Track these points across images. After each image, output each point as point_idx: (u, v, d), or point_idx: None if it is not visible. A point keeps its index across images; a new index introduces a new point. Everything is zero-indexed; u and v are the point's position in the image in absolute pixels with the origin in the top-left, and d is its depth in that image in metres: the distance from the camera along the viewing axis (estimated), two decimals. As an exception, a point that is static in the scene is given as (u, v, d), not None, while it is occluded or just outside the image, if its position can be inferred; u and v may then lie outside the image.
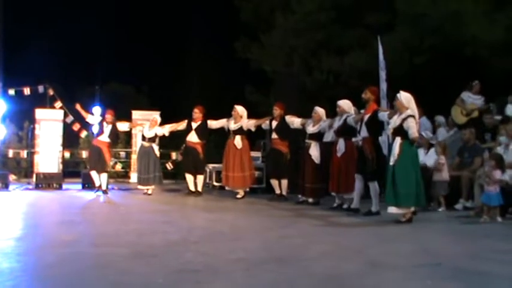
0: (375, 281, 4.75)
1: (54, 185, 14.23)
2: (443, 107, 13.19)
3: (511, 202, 9.17)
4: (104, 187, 13.10)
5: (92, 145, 13.44)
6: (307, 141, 11.14)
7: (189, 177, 12.97)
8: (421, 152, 11.20)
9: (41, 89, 18.22)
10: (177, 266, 5.13)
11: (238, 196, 12.33)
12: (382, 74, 12.08)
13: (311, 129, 11.12)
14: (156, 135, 13.18)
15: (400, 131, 8.29)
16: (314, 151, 10.97)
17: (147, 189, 13.02)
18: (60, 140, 15.90)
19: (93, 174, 13.19)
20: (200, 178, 12.99)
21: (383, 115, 9.15)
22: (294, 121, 11.76)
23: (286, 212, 10.08)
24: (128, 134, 17.30)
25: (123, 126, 13.94)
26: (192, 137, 12.84)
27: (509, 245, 6.86)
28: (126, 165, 18.54)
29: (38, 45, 28.27)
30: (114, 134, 13.37)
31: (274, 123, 11.96)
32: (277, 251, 6.05)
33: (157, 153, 13.32)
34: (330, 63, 17.03)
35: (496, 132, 11.20)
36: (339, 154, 10.09)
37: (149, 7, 29.88)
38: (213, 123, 13.00)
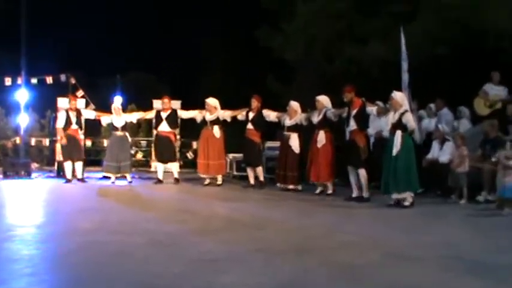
0: (394, 272, 4.71)
1: (76, 173, 14.31)
2: (466, 99, 13.04)
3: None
4: (79, 175, 13.21)
5: (67, 135, 13.22)
6: (285, 133, 11.88)
7: (159, 166, 13.37)
8: (435, 146, 11.19)
9: (63, 77, 18.36)
10: (195, 255, 5.13)
11: (218, 183, 12.92)
12: (404, 65, 11.94)
13: (288, 122, 11.85)
14: (126, 123, 13.28)
15: (399, 125, 9.21)
16: (293, 142, 11.72)
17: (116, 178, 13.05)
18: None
19: (67, 164, 13.17)
20: (174, 165, 13.42)
21: (371, 110, 10.30)
22: (270, 114, 12.40)
23: (304, 202, 10.10)
24: (149, 123, 17.32)
25: (89, 113, 14.05)
26: (163, 127, 13.15)
27: (530, 238, 6.78)
28: (147, 154, 18.58)
29: (60, 34, 28.52)
30: (81, 120, 13.50)
31: (251, 115, 12.44)
32: (297, 241, 6.03)
33: (130, 140, 13.70)
34: (352, 53, 16.89)
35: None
36: (319, 145, 11.05)
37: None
38: (183, 113, 13.64)
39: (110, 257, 5.11)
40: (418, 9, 15.24)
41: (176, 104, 15.03)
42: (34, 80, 18.18)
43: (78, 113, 13.35)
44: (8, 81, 18.25)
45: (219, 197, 11.00)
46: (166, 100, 13.31)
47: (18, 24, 16.80)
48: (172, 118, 13.22)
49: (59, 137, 13.36)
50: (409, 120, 9.23)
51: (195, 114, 13.34)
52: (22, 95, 16.69)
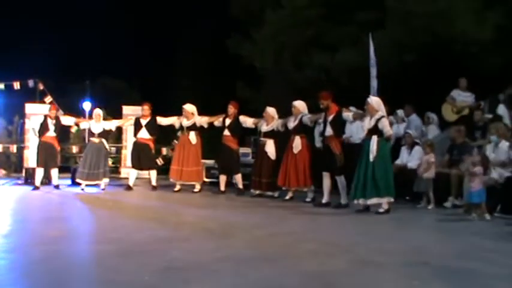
0: (363, 279, 4.75)
1: (44, 180, 14.12)
2: (434, 105, 13.22)
3: (500, 200, 9.22)
4: (55, 182, 13.10)
5: (41, 142, 13.09)
6: (262, 139, 11.98)
7: (132, 172, 13.31)
8: (404, 151, 11.33)
9: (30, 83, 18.14)
10: (163, 264, 5.11)
11: (195, 190, 12.77)
12: (373, 71, 12.09)
13: (265, 127, 11.90)
14: (104, 130, 13.19)
15: (375, 130, 9.21)
16: (269, 148, 11.77)
17: (99, 184, 12.98)
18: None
19: (39, 171, 13.00)
20: (153, 173, 13.32)
21: (347, 116, 10.18)
22: (247, 121, 12.44)
23: (275, 209, 10.11)
24: (119, 129, 17.21)
25: (68, 120, 13.89)
26: (143, 134, 13.11)
27: (496, 243, 6.89)
28: (117, 161, 18.45)
29: (28, 39, 28.22)
30: (60, 128, 13.30)
31: (228, 121, 12.47)
32: (265, 248, 6.04)
33: (108, 148, 13.55)
34: (321, 60, 16.98)
35: (486, 130, 11.22)
36: (295, 151, 11.07)
37: (140, 2, 29.81)
38: (162, 120, 13.45)
39: (78, 266, 5.08)
40: (386, 17, 15.36)
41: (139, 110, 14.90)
42: (1, 86, 17.96)
43: (57, 121, 13.14)
44: (-26, 87, 18.02)
45: (190, 204, 10.91)
46: (146, 107, 13.17)
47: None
48: (152, 125, 13.14)
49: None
50: (385, 125, 9.29)
51: (173, 120, 13.27)
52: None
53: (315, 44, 17.55)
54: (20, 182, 14.37)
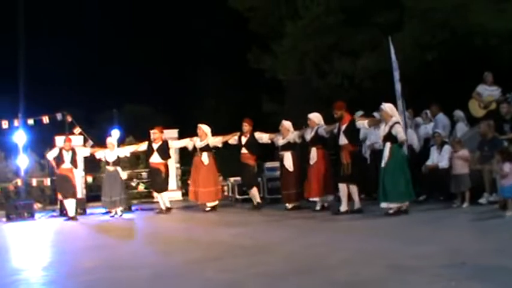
0: (398, 285, 4.70)
1: (79, 210, 14.25)
2: (460, 102, 13.07)
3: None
4: (71, 214, 13.18)
5: (58, 174, 13.46)
6: (280, 153, 12.10)
7: (159, 196, 13.44)
8: (434, 151, 11.19)
9: (59, 116, 18.37)
10: (199, 285, 5.11)
11: (207, 209, 12.83)
12: (396, 75, 12.00)
13: (281, 141, 12.04)
14: (118, 158, 13.35)
15: (389, 137, 9.38)
16: (287, 161, 11.89)
17: (115, 211, 13.11)
18: (82, 165, 15.98)
19: (67, 202, 13.26)
20: (165, 195, 13.39)
21: (361, 123, 10.24)
22: (263, 137, 12.62)
23: (303, 220, 10.12)
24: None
25: (83, 151, 14.16)
26: (155, 158, 13.22)
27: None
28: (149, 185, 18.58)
29: (55, 74, 28.67)
30: (75, 160, 13.49)
31: (244, 139, 12.66)
32: (298, 262, 6.01)
33: (123, 175, 13.68)
34: (343, 66, 16.96)
35: (514, 123, 11.06)
36: (311, 162, 11.16)
37: (159, 29, 30.09)
38: (174, 143, 13.82)
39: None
40: (403, 17, 15.29)
41: (173, 133, 15.05)
42: (31, 121, 18.23)
43: (73, 152, 13.39)
44: (5, 124, 18.31)
45: (220, 223, 11.00)
46: (156, 131, 13.32)
47: (15, 68, 16.94)
48: (163, 149, 13.25)
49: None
50: (399, 131, 9.38)
51: (186, 142, 13.51)
52: (20, 137, 16.74)
53: (335, 51, 17.55)
54: (55, 214, 14.51)
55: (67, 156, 13.24)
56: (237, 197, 14.56)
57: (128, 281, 5.60)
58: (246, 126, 12.56)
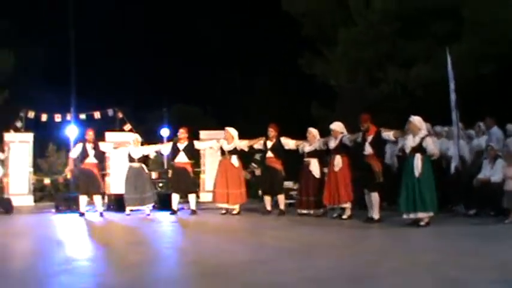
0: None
1: (112, 206, 14.34)
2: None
3: None
4: (99, 209, 13.15)
5: (81, 169, 13.32)
6: (306, 159, 12.20)
7: (175, 197, 13.26)
8: (486, 165, 10.98)
9: (110, 112, 18.71)
10: (248, 285, 5.10)
11: (234, 212, 12.83)
12: (451, 85, 11.83)
13: (307, 148, 12.19)
14: (143, 156, 13.32)
15: (419, 148, 9.62)
16: (314, 167, 12.06)
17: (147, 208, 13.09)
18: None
19: (82, 198, 13.15)
20: (192, 197, 13.35)
21: (387, 135, 10.57)
22: (289, 142, 12.66)
23: (351, 227, 10.08)
24: (197, 154, 17.43)
25: (106, 146, 13.98)
26: (181, 158, 13.20)
27: None
28: (195, 185, 18.67)
29: (108, 70, 29.11)
30: (99, 153, 13.38)
31: (270, 144, 12.73)
32: (348, 268, 5.96)
33: (147, 172, 13.62)
34: (396, 75, 16.81)
35: None
36: (336, 169, 11.38)
37: (212, 30, 30.28)
38: (199, 144, 13.94)
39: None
40: (461, 29, 15.07)
41: (220, 134, 15.04)
42: (82, 116, 18.58)
43: (96, 146, 13.21)
44: (57, 117, 18.69)
45: (266, 225, 11.00)
46: (182, 131, 13.33)
47: (67, 63, 17.25)
48: (189, 149, 13.27)
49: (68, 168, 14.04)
50: (429, 144, 9.68)
51: (212, 144, 13.69)
52: (71, 131, 17.01)
53: (389, 59, 17.39)
54: (103, 208, 14.63)
55: (90, 149, 13.08)
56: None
57: (177, 277, 5.63)
58: (272, 132, 12.66)
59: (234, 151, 12.96)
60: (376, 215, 10.48)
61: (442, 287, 4.98)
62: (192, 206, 13.29)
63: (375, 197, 10.48)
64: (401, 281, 5.21)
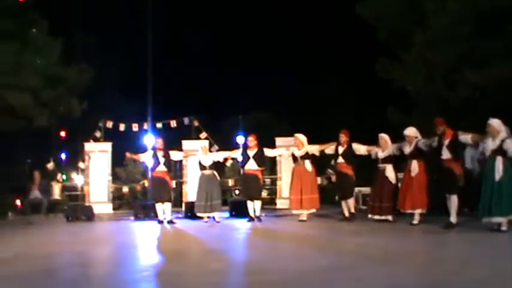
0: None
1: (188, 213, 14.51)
2: None
3: None
4: (168, 217, 13.28)
5: (153, 177, 13.65)
6: (380, 165, 12.11)
7: (250, 204, 13.27)
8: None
9: (186, 121, 19.01)
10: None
11: (304, 218, 12.85)
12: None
13: (381, 154, 12.14)
14: (214, 162, 13.38)
15: (499, 151, 9.41)
16: (389, 173, 11.97)
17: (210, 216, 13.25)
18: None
19: (158, 206, 13.33)
20: (258, 203, 13.34)
21: (465, 138, 10.39)
22: (360, 148, 12.66)
23: (431, 234, 9.85)
24: (273, 161, 17.48)
25: (177, 155, 14.11)
26: (251, 165, 13.20)
27: None
28: (272, 192, 18.72)
29: (184, 79, 29.65)
30: (169, 162, 13.58)
31: (341, 149, 12.72)
32: (431, 276, 5.81)
33: (219, 180, 13.70)
34: (474, 78, 16.36)
35: None
36: (413, 174, 11.27)
37: (281, 35, 30.40)
38: (269, 152, 13.82)
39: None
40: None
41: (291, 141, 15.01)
42: (159, 125, 18.92)
43: (167, 155, 13.45)
44: (135, 127, 19.11)
45: (345, 231, 10.91)
46: (251, 138, 13.39)
47: (144, 73, 17.62)
48: (259, 156, 13.29)
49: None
50: (510, 146, 9.37)
51: (281, 152, 13.94)
52: (149, 140, 17.37)
53: (467, 61, 16.95)
54: (180, 216, 14.85)
55: (160, 157, 13.31)
56: (361, 207, 14.36)
57: (256, 285, 5.62)
58: (343, 138, 12.61)
59: (306, 156, 12.96)
60: (454, 218, 10.25)
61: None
62: (257, 212, 13.33)
63: (454, 200, 10.29)
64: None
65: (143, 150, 15.18)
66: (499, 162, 9.34)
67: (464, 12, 16.74)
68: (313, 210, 13.00)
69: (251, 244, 9.77)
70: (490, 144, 9.57)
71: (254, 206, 13.35)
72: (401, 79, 19.16)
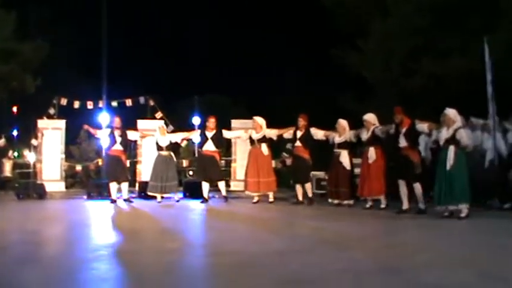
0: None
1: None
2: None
3: None
4: (125, 196, 13.32)
5: (108, 156, 13.62)
6: (336, 150, 12.24)
7: (205, 185, 13.29)
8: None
9: (142, 100, 18.82)
10: (283, 276, 5.04)
11: (270, 200, 13.07)
12: (488, 76, 11.62)
13: (338, 139, 12.23)
14: (171, 143, 13.45)
15: (453, 140, 9.56)
16: (344, 158, 12.07)
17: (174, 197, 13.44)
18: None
19: (112, 185, 13.23)
20: (222, 184, 13.53)
21: (421, 127, 10.52)
22: (318, 133, 12.77)
23: (385, 219, 10.00)
24: (228, 143, 17.43)
25: (133, 135, 14.05)
26: (209, 146, 13.29)
27: None
28: (227, 174, 18.70)
29: (139, 59, 29.30)
30: (126, 141, 13.51)
31: (299, 133, 12.79)
32: (384, 259, 5.87)
33: (176, 161, 13.80)
34: (431, 67, 16.59)
35: None
36: (370, 161, 11.48)
37: (241, 20, 30.33)
38: (227, 133, 14.02)
39: (196, 278, 5.11)
40: (499, 20, 14.81)
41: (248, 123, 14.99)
42: (114, 103, 18.69)
43: (123, 134, 13.40)
44: (90, 105, 18.85)
45: (301, 215, 10.94)
46: (212, 120, 13.46)
47: (99, 51, 17.35)
48: (218, 138, 13.39)
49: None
50: (463, 136, 9.60)
51: (240, 133, 13.96)
52: (103, 118, 17.14)
53: (424, 51, 17.16)
54: (134, 195, 14.70)
55: (117, 136, 13.25)
56: (315, 191, 14.41)
57: (209, 267, 5.61)
58: (302, 122, 12.70)
59: (263, 139, 13.05)
60: (421, 205, 10.42)
61: (478, 283, 4.85)
62: (223, 192, 13.47)
63: (417, 187, 10.40)
64: (438, 274, 5.10)
65: (98, 128, 14.97)
66: (451, 151, 9.50)
67: (423, 4, 16.95)
68: (272, 194, 13.15)
69: (207, 225, 9.80)
70: (444, 134, 9.72)
71: (219, 187, 13.50)
72: (358, 66, 19.28)
